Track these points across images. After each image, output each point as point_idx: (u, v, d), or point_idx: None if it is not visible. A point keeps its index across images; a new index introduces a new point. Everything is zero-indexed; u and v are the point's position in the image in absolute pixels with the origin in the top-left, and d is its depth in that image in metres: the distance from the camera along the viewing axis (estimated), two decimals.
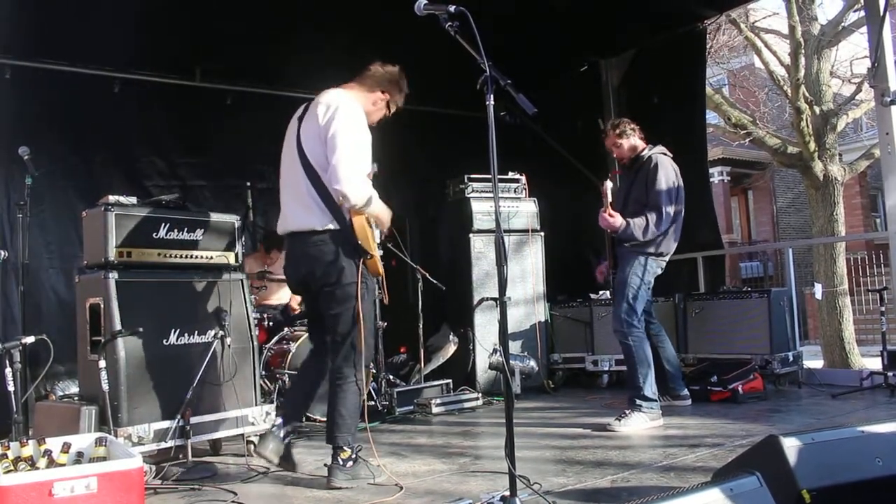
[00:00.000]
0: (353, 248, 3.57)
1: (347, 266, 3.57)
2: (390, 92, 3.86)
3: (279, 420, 3.77)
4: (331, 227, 3.57)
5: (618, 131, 5.15)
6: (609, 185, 4.91)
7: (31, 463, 3.12)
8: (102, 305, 4.07)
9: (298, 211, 3.67)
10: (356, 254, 3.57)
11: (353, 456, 3.61)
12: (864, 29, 6.12)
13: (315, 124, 3.62)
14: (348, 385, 3.60)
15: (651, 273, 4.95)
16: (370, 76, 3.84)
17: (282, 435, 3.72)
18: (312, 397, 3.91)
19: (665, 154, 5.07)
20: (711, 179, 18.83)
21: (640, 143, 5.15)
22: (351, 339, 3.60)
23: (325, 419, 3.76)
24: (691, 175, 6.39)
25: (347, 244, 3.57)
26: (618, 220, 4.85)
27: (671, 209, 4.89)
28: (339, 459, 3.57)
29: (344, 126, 3.54)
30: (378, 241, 3.80)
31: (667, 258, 5.04)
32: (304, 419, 3.89)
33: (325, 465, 3.65)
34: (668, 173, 4.94)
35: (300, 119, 3.76)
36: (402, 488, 3.42)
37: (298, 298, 6.10)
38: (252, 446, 3.95)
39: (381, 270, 3.72)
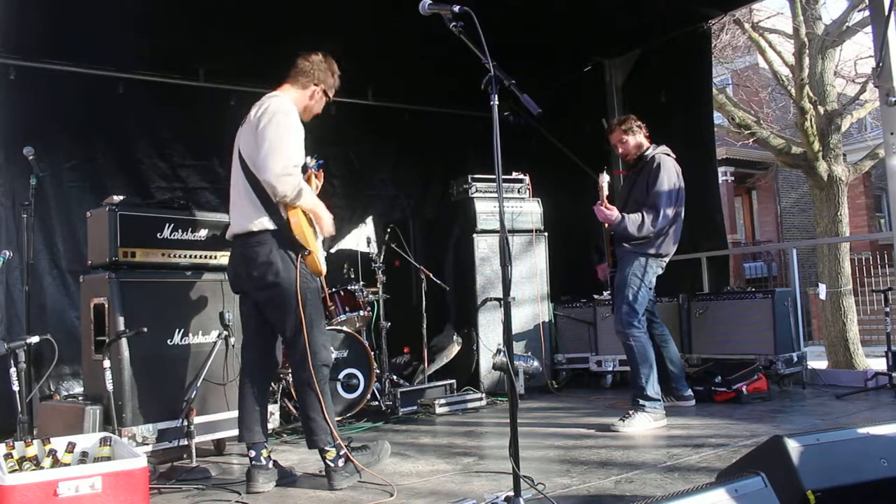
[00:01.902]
0: (290, 246, 3.55)
1: (283, 266, 3.54)
2: (324, 82, 3.86)
3: (252, 453, 3.66)
4: (267, 226, 3.56)
5: (624, 127, 5.14)
6: (605, 178, 4.91)
7: (36, 462, 3.13)
8: (107, 305, 4.08)
9: (237, 215, 3.69)
10: (294, 251, 3.56)
11: (342, 453, 3.60)
12: (869, 28, 6.11)
13: (249, 124, 3.66)
14: (305, 388, 3.58)
15: (651, 273, 4.94)
16: (300, 72, 3.84)
17: (262, 462, 3.65)
18: (265, 412, 3.80)
19: (668, 154, 5.06)
20: None
21: (645, 142, 5.15)
22: (298, 341, 3.56)
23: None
24: (699, 175, 6.40)
25: (284, 243, 3.56)
26: (614, 212, 4.87)
27: (670, 210, 4.88)
28: (329, 461, 3.58)
29: (271, 120, 3.55)
30: (319, 239, 3.74)
31: (667, 259, 5.03)
32: (267, 435, 3.80)
33: (320, 470, 3.66)
34: (669, 174, 4.93)
35: (241, 124, 3.80)
36: (392, 495, 3.39)
37: None
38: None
39: (322, 268, 3.68)
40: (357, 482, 3.59)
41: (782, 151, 11.54)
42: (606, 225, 5.00)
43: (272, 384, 5.53)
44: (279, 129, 3.53)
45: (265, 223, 3.56)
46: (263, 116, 3.57)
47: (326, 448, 3.57)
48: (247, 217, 3.61)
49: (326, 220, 3.75)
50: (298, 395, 3.68)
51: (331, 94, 3.93)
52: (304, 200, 3.59)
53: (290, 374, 5.36)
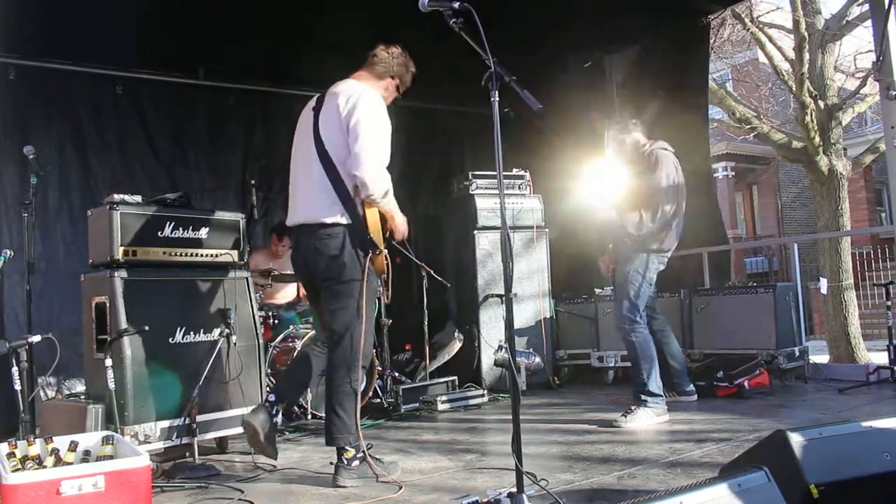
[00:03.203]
0: (360, 243, 3.53)
1: (350, 262, 3.52)
2: (400, 76, 3.83)
3: (272, 396, 3.64)
4: (341, 220, 3.52)
5: (619, 126, 5.15)
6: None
7: (39, 461, 3.13)
8: (108, 304, 4.08)
9: (309, 203, 3.63)
10: (363, 249, 3.53)
11: (359, 455, 3.59)
12: (869, 23, 6.10)
13: (335, 114, 3.57)
14: (344, 385, 3.57)
15: (653, 269, 4.94)
16: (379, 62, 3.79)
17: (273, 411, 3.61)
18: (307, 383, 3.81)
19: (666, 149, 5.05)
20: (716, 175, 18.91)
21: (643, 139, 5.14)
22: (348, 338, 3.56)
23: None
24: (695, 170, 6.39)
25: (356, 239, 3.52)
26: (605, 263, 4.93)
27: (669, 206, 4.87)
28: (344, 459, 3.56)
29: (367, 115, 3.50)
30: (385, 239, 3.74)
31: (668, 254, 5.03)
32: (297, 404, 3.79)
33: (332, 463, 3.65)
34: (668, 170, 4.92)
35: (316, 110, 3.70)
36: (401, 487, 3.41)
37: None
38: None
39: (386, 268, 3.68)
40: (364, 482, 3.57)
41: (783, 146, 11.53)
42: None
43: (276, 382, 5.56)
44: (374, 126, 3.49)
45: (339, 216, 3.52)
46: (357, 110, 3.50)
47: (347, 447, 3.55)
48: (320, 207, 3.56)
49: (401, 223, 3.74)
50: (331, 391, 3.62)
51: (401, 91, 3.88)
52: (388, 201, 3.57)
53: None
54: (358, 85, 3.66)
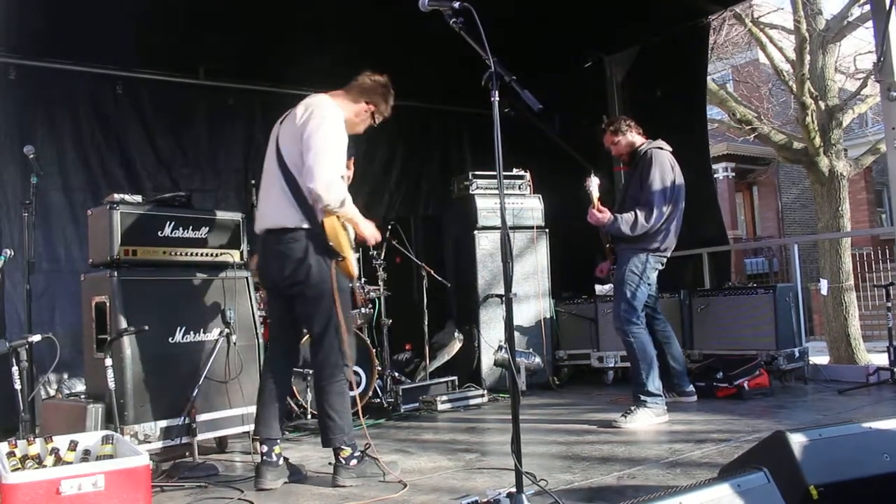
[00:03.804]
0: (324, 249, 3.57)
1: (316, 265, 3.56)
2: (375, 103, 3.86)
3: (264, 448, 3.64)
4: (303, 225, 3.57)
5: (613, 128, 5.14)
6: (595, 181, 4.92)
7: (39, 461, 3.13)
8: (108, 304, 4.08)
9: (273, 209, 3.68)
10: (327, 255, 3.57)
11: (356, 454, 3.61)
12: (870, 23, 6.10)
13: (292, 125, 3.64)
14: (333, 385, 3.60)
15: (650, 270, 4.94)
16: (356, 86, 3.85)
17: (274, 459, 3.63)
18: (284, 408, 3.82)
19: (662, 149, 5.02)
20: (716, 175, 18.91)
21: (639, 139, 5.13)
22: (328, 339, 3.58)
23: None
24: (694, 170, 6.39)
25: (318, 244, 3.56)
26: (606, 215, 4.87)
27: (665, 206, 4.85)
28: (341, 459, 3.58)
29: (320, 126, 3.55)
30: (353, 244, 3.76)
31: (666, 255, 5.02)
32: (283, 431, 3.82)
33: (330, 463, 3.65)
34: (663, 169, 4.90)
35: (281, 123, 3.79)
36: (405, 485, 3.42)
37: None
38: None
39: (355, 273, 3.72)
40: (363, 482, 3.57)
41: (783, 147, 11.52)
42: (599, 227, 5.00)
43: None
44: (327, 138, 3.53)
45: (301, 222, 3.57)
46: (311, 121, 3.56)
47: (343, 447, 3.57)
48: (282, 213, 3.60)
49: (368, 230, 3.77)
50: (319, 393, 3.66)
51: (377, 120, 3.92)
52: (346, 209, 3.59)
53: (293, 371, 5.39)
54: (320, 99, 3.73)
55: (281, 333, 3.87)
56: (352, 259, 3.68)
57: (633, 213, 4.83)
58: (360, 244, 3.88)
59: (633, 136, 5.12)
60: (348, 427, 3.60)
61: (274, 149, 3.72)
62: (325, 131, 3.54)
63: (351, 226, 3.74)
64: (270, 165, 3.74)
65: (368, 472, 3.60)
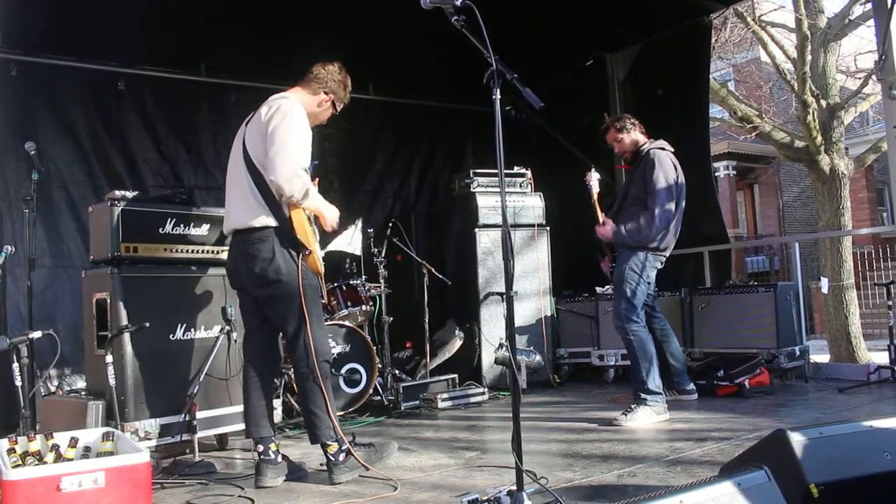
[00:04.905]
0: (291, 245, 3.58)
1: (284, 263, 3.57)
2: (335, 92, 3.89)
3: (260, 447, 3.66)
4: (270, 223, 3.58)
5: (618, 126, 5.14)
6: (595, 176, 4.97)
7: (39, 457, 3.14)
8: (109, 300, 4.09)
9: (240, 209, 3.69)
10: (295, 250, 3.58)
11: (343, 448, 3.61)
12: (871, 22, 6.10)
13: (257, 123, 3.67)
14: (310, 383, 3.60)
15: (649, 268, 4.94)
16: (313, 79, 3.86)
17: (272, 456, 3.65)
18: (271, 406, 3.84)
19: (664, 149, 5.03)
20: (717, 174, 18.92)
21: (642, 138, 5.14)
22: (301, 336, 3.59)
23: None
24: (695, 169, 6.39)
25: (286, 241, 3.57)
26: (608, 227, 4.94)
27: (668, 207, 4.86)
28: (330, 455, 3.59)
29: (282, 121, 3.57)
30: (318, 238, 3.77)
31: (666, 253, 5.03)
32: (274, 429, 3.84)
33: (322, 465, 3.67)
34: (665, 170, 4.91)
35: (247, 123, 3.81)
36: (396, 488, 3.40)
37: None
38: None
39: (321, 268, 3.72)
40: (359, 476, 3.59)
41: (784, 145, 11.51)
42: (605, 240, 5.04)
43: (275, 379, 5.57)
44: (289, 132, 3.55)
45: (267, 220, 3.58)
46: (274, 117, 3.58)
47: (328, 442, 3.58)
48: (249, 212, 3.62)
49: (330, 216, 3.76)
50: (300, 391, 3.70)
51: (338, 108, 3.95)
52: (310, 201, 3.61)
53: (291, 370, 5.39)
54: (283, 96, 3.75)
55: (255, 333, 3.85)
56: (318, 254, 3.69)
57: (636, 221, 4.85)
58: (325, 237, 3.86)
59: (637, 135, 5.13)
60: (333, 421, 3.60)
61: (240, 147, 3.74)
62: (287, 125, 3.56)
63: (316, 222, 3.75)
64: (236, 165, 3.76)
65: (357, 462, 3.61)
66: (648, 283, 5.00)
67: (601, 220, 4.98)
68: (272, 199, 3.58)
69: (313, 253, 3.63)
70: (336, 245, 6.31)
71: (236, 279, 3.81)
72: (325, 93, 3.86)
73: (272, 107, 3.65)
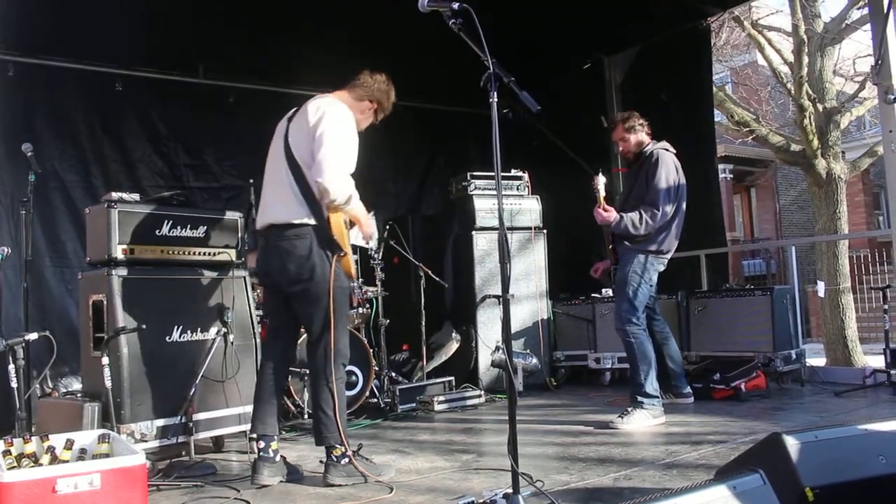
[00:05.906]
0: (327, 245, 3.58)
1: (319, 263, 3.57)
2: (379, 101, 3.90)
3: (261, 444, 3.67)
4: (308, 221, 3.58)
5: (627, 125, 5.13)
6: (602, 179, 4.93)
7: (35, 459, 3.13)
8: (105, 302, 4.08)
9: (278, 204, 3.69)
10: (330, 250, 3.59)
11: (348, 452, 3.60)
12: (868, 26, 6.12)
13: (304, 122, 3.66)
14: (326, 385, 3.61)
15: (652, 271, 4.95)
16: (360, 85, 3.88)
17: (270, 455, 3.66)
18: (280, 405, 3.85)
19: (667, 150, 5.06)
20: None
21: (646, 139, 5.14)
22: (325, 338, 3.60)
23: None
24: (699, 173, 6.41)
25: (322, 241, 3.58)
26: (612, 214, 4.88)
27: (669, 207, 4.88)
28: (333, 457, 3.58)
29: (333, 125, 3.58)
30: (352, 242, 3.78)
31: (668, 256, 5.03)
32: (280, 430, 3.84)
33: (321, 461, 3.66)
34: (668, 170, 4.93)
35: (289, 119, 3.81)
36: (392, 490, 3.40)
37: None
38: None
39: (353, 271, 3.75)
40: (353, 480, 3.57)
41: (781, 149, 11.53)
42: (604, 226, 5.01)
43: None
44: (340, 136, 3.57)
45: (306, 218, 3.58)
46: (324, 120, 3.59)
47: (335, 445, 3.57)
48: (287, 209, 3.62)
49: (366, 224, 3.81)
50: (314, 391, 3.69)
51: (379, 117, 3.97)
52: (352, 206, 3.62)
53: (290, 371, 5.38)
54: (331, 99, 3.76)
55: (280, 331, 3.88)
56: (351, 258, 3.70)
57: (638, 212, 4.85)
58: (355, 246, 3.90)
59: (643, 136, 5.14)
60: (343, 425, 3.60)
61: (282, 144, 3.72)
62: (338, 129, 3.58)
63: (351, 227, 3.76)
64: (276, 160, 3.75)
65: (359, 471, 3.59)
66: (650, 286, 5.00)
67: (602, 204, 4.92)
68: (312, 198, 3.58)
69: (348, 255, 3.64)
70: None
71: (267, 275, 3.81)
72: (370, 101, 3.88)
73: (321, 108, 3.65)
